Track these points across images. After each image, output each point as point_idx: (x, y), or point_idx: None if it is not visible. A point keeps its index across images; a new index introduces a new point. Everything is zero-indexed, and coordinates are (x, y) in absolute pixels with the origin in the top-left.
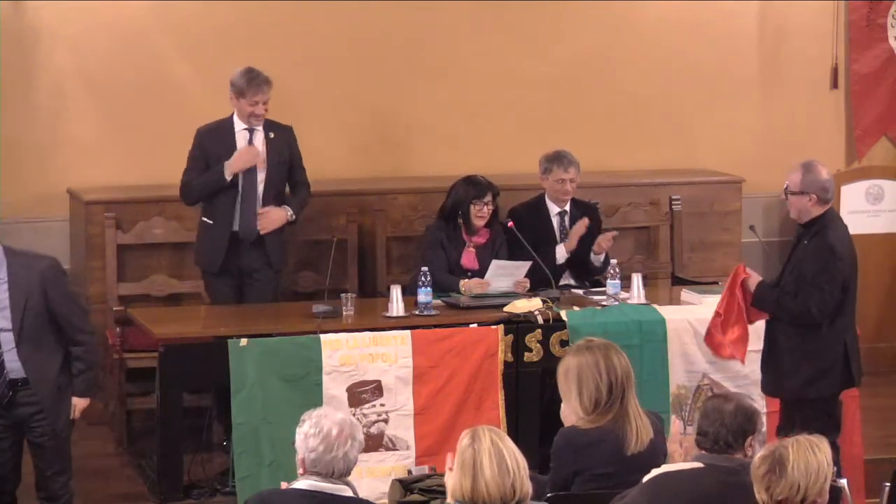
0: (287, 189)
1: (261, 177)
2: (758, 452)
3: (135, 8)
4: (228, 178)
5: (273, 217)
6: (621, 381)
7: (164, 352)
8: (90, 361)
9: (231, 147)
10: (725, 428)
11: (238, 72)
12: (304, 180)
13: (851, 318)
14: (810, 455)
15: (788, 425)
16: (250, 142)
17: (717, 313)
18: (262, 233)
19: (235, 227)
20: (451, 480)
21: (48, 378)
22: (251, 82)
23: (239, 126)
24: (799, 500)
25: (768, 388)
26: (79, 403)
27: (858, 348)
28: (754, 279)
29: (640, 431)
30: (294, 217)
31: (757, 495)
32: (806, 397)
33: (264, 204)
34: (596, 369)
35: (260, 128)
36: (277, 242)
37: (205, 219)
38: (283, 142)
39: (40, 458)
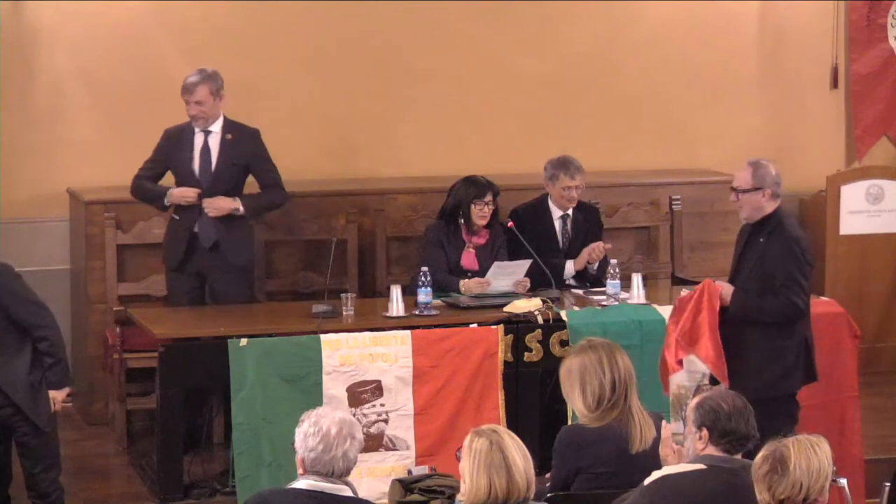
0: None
1: (204, 179)
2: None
3: (135, 8)
4: (166, 203)
5: (219, 204)
6: (624, 378)
7: (164, 352)
8: (57, 353)
9: (188, 149)
10: (750, 427)
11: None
12: (274, 183)
13: (809, 314)
14: (811, 454)
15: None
16: (205, 143)
17: (676, 334)
18: (210, 215)
19: (197, 228)
20: (476, 485)
21: (19, 379)
22: (185, 82)
23: (198, 128)
24: (801, 499)
25: (734, 386)
26: (56, 396)
27: (813, 348)
28: (727, 289)
29: (644, 430)
30: (242, 211)
31: (758, 496)
32: (772, 396)
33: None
34: (599, 367)
35: (218, 130)
36: (234, 242)
37: (174, 215)
38: (241, 145)
39: (27, 457)
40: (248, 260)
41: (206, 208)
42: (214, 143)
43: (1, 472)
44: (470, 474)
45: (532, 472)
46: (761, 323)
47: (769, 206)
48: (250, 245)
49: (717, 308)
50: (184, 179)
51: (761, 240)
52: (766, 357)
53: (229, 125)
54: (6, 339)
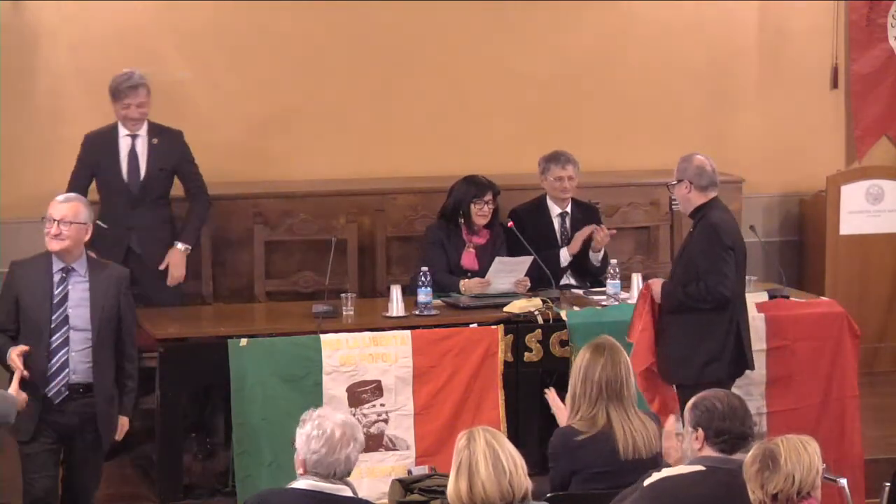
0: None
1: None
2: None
3: (135, 8)
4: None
5: (181, 270)
6: (601, 385)
7: (164, 352)
8: (135, 379)
9: (114, 154)
10: (746, 427)
11: (115, 76)
12: (198, 190)
13: (742, 303)
14: (801, 449)
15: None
16: (132, 148)
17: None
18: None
19: (139, 250)
20: (449, 483)
21: (107, 386)
22: (123, 84)
23: (123, 132)
24: (795, 493)
25: (664, 376)
26: (124, 423)
27: (748, 336)
28: (656, 282)
29: (629, 437)
30: (190, 248)
31: (751, 495)
32: (699, 382)
33: (137, 208)
34: (580, 371)
35: (143, 133)
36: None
37: (101, 222)
38: (167, 148)
39: (78, 476)
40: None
41: (171, 282)
42: (142, 148)
43: (53, 493)
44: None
45: (507, 480)
46: (689, 311)
47: (696, 198)
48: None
49: (655, 305)
50: (111, 186)
51: (691, 230)
52: (692, 344)
53: (154, 128)
54: (110, 343)
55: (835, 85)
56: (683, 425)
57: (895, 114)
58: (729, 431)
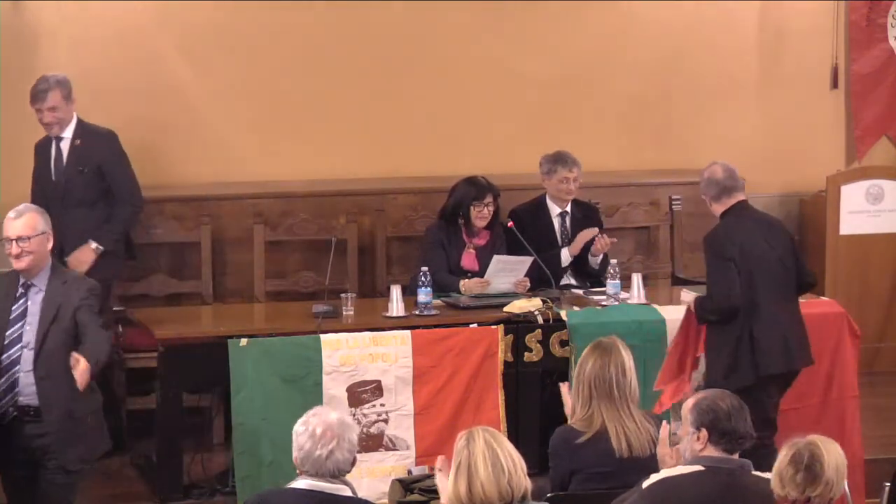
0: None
1: (58, 189)
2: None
3: (135, 8)
4: None
5: (81, 258)
6: (590, 385)
7: (164, 352)
8: (104, 343)
9: (47, 158)
10: (749, 427)
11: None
12: (121, 193)
13: (755, 309)
14: (837, 453)
15: None
16: (58, 150)
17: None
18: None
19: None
20: (449, 483)
21: (60, 405)
22: (34, 89)
23: (52, 135)
24: (829, 498)
25: (711, 387)
26: (80, 362)
27: (775, 339)
28: (691, 299)
29: (622, 437)
30: (102, 248)
31: (780, 493)
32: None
33: (66, 211)
34: (578, 369)
35: (69, 135)
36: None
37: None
38: (91, 150)
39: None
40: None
41: (71, 268)
42: (66, 150)
43: None
44: (438, 469)
45: (506, 480)
46: (710, 324)
47: (716, 208)
48: (111, 264)
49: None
50: (45, 191)
51: None
52: (713, 356)
53: (80, 129)
54: (59, 361)
55: (835, 85)
56: (672, 428)
57: (895, 114)
58: (733, 432)
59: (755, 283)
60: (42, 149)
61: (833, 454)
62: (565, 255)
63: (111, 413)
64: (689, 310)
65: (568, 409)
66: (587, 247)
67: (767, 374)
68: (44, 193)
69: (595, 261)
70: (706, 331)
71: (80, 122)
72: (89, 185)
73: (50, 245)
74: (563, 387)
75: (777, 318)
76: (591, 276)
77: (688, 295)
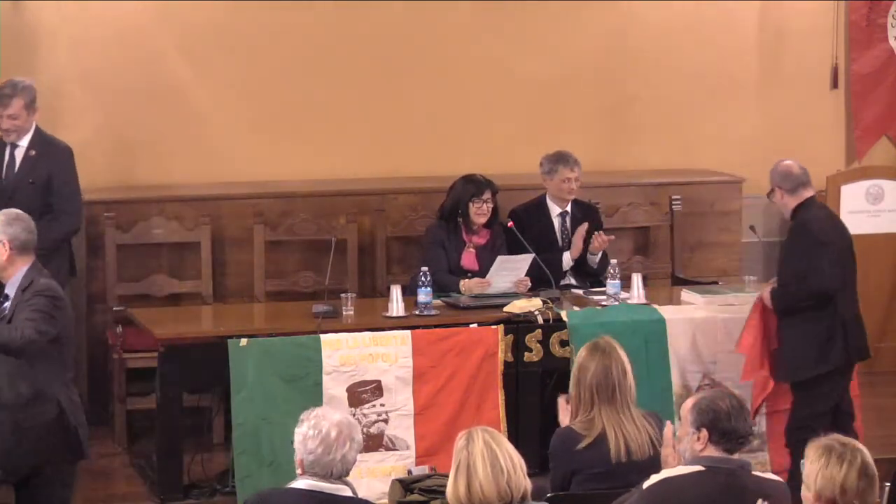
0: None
1: (2, 196)
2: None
3: (135, 8)
4: None
5: None
6: (592, 389)
7: (164, 352)
8: (14, 332)
9: (1, 164)
10: (749, 427)
11: None
12: (65, 208)
13: (848, 294)
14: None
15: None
16: (11, 158)
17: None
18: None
19: None
20: (448, 483)
21: (8, 403)
22: None
23: (8, 142)
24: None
25: (782, 377)
26: None
27: (859, 325)
28: (766, 291)
29: (620, 441)
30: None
31: (821, 492)
32: (809, 377)
33: None
34: (575, 373)
35: (25, 144)
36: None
37: None
38: (43, 161)
39: None
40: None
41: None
42: (19, 158)
43: None
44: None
45: (505, 480)
46: (797, 311)
47: (790, 201)
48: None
49: (769, 313)
50: None
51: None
52: (802, 342)
53: (37, 140)
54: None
55: (835, 85)
56: (672, 429)
57: (895, 114)
58: (735, 431)
59: (846, 270)
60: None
61: (870, 457)
62: (566, 259)
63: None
64: (760, 304)
65: (564, 421)
66: (586, 245)
67: (858, 358)
68: None
69: (594, 259)
70: (782, 323)
71: (38, 132)
72: (35, 197)
73: (6, 253)
74: (562, 399)
75: (858, 304)
76: (590, 276)
77: (758, 287)
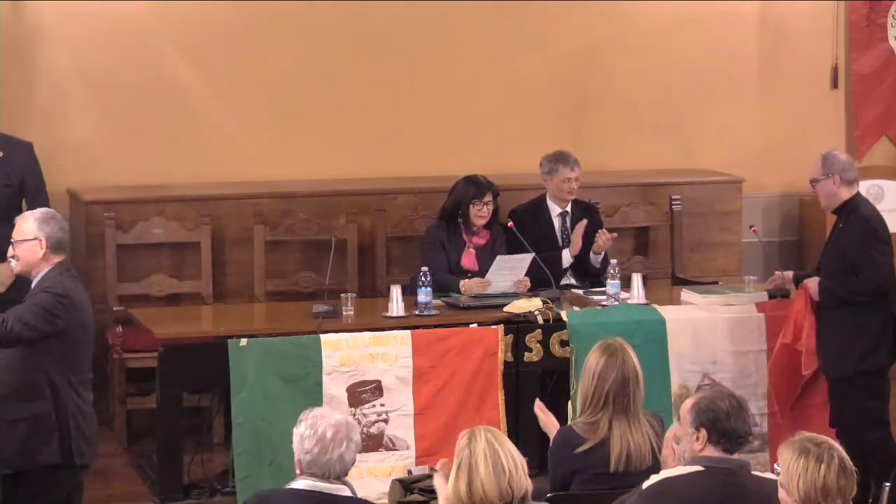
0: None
1: None
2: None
3: (135, 8)
4: None
5: (5, 273)
6: (608, 395)
7: (164, 352)
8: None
9: None
10: (749, 427)
11: None
12: (40, 205)
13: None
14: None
15: (840, 404)
16: None
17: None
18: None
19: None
20: (449, 482)
21: None
22: None
23: None
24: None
25: (823, 368)
26: None
27: None
28: (812, 281)
29: (623, 451)
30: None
31: (807, 496)
32: (858, 373)
33: None
34: (594, 376)
35: None
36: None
37: None
38: (13, 161)
39: None
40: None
41: None
42: None
43: None
44: (437, 469)
45: (506, 480)
46: (846, 305)
47: (843, 193)
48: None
49: (811, 302)
50: None
51: (840, 225)
52: (850, 337)
53: (3, 141)
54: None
55: (835, 85)
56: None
57: (895, 114)
58: (734, 431)
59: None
60: None
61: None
62: (566, 256)
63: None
64: (805, 298)
65: (550, 431)
66: (588, 245)
67: None
68: None
69: (597, 259)
70: (823, 317)
71: (1, 135)
72: (12, 199)
73: (41, 252)
74: (539, 406)
75: None
76: (591, 276)
77: (795, 280)
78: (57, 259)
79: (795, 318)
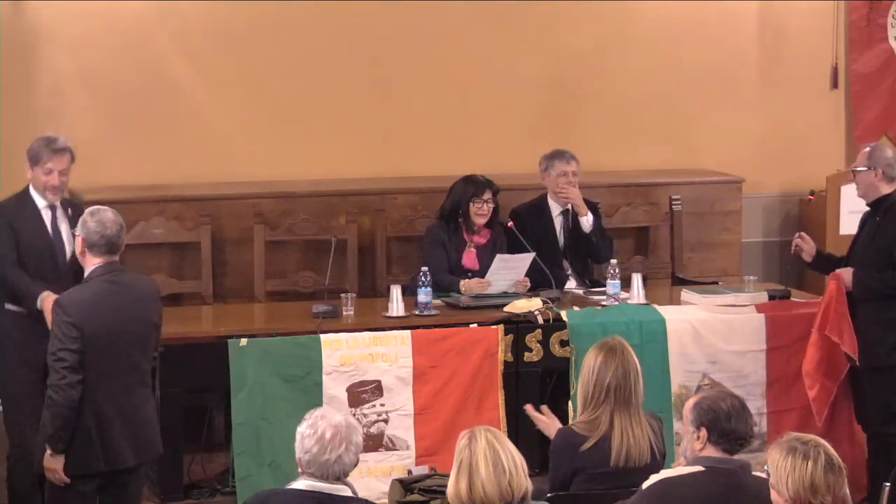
0: None
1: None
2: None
3: (135, 8)
4: (38, 306)
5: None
6: (609, 390)
7: (164, 352)
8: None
9: (40, 227)
10: (749, 427)
11: (37, 139)
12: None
13: None
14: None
15: (869, 396)
16: (54, 220)
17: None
18: None
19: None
20: (449, 483)
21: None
22: (48, 146)
23: (41, 203)
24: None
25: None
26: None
27: None
28: (846, 271)
29: (623, 446)
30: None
31: (814, 501)
32: (888, 365)
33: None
34: (593, 373)
35: (58, 204)
36: None
37: (9, 306)
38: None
39: None
40: None
41: None
42: (62, 222)
43: None
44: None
45: (507, 480)
46: (881, 298)
47: (883, 187)
48: None
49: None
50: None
51: (877, 219)
52: (882, 329)
53: (63, 201)
54: None
55: (835, 85)
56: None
57: (895, 114)
58: (734, 432)
59: None
60: (24, 216)
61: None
62: (585, 224)
63: None
64: (838, 288)
65: (548, 431)
66: (587, 244)
67: None
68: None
69: (586, 224)
70: (856, 308)
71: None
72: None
73: (80, 249)
74: (529, 408)
75: None
76: (591, 254)
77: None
78: (98, 260)
79: (826, 307)
